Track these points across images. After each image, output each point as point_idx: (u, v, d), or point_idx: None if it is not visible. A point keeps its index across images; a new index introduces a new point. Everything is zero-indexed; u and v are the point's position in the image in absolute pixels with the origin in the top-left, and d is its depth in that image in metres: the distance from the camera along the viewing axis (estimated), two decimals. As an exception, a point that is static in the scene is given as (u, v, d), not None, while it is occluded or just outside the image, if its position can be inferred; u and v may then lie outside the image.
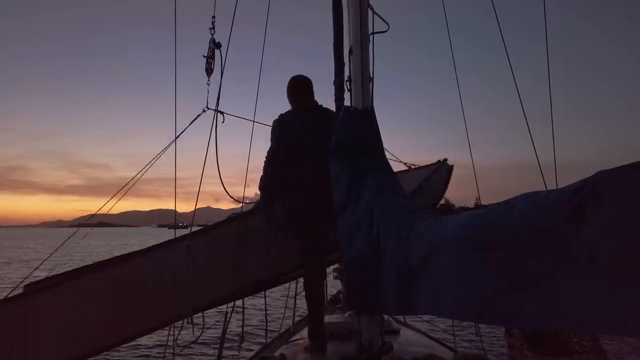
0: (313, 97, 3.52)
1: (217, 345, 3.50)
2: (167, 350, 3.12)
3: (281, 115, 3.40)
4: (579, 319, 1.09)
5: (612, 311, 0.99)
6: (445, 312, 1.68)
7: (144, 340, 9.96)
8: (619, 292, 0.96)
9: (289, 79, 3.57)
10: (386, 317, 3.66)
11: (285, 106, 3.50)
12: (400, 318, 4.47)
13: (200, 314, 3.00)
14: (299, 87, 3.51)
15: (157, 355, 8.31)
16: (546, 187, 3.12)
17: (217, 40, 3.21)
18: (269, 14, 4.12)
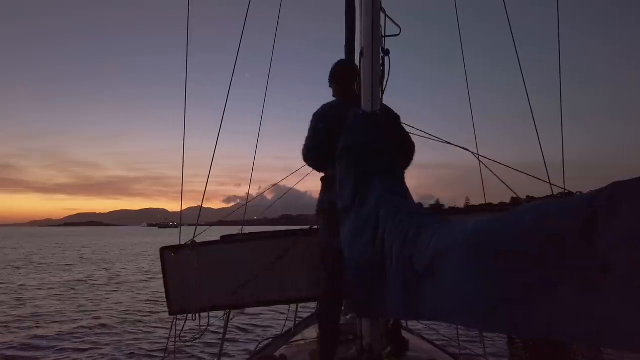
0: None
1: (219, 342, 3.52)
2: (169, 345, 3.14)
3: None
4: (588, 331, 1.08)
5: (622, 324, 0.98)
6: (450, 318, 1.67)
7: (144, 334, 10.02)
8: (631, 305, 0.96)
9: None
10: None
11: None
12: (402, 323, 4.44)
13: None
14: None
15: (160, 348, 8.36)
16: (551, 188, 3.12)
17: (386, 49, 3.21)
18: (279, 19, 4.12)
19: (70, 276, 21.18)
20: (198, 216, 3.45)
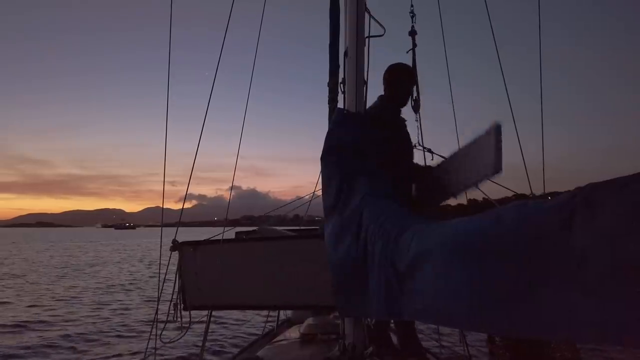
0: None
1: (200, 344, 3.49)
2: (149, 345, 3.10)
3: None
4: (569, 329, 1.10)
5: (601, 320, 1.00)
6: (432, 318, 1.68)
7: (127, 334, 9.88)
8: (609, 301, 0.98)
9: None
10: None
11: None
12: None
13: (186, 312, 3.04)
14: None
15: (140, 350, 8.25)
16: (531, 190, 3.16)
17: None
18: (263, 17, 4.09)
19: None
20: (180, 216, 3.40)
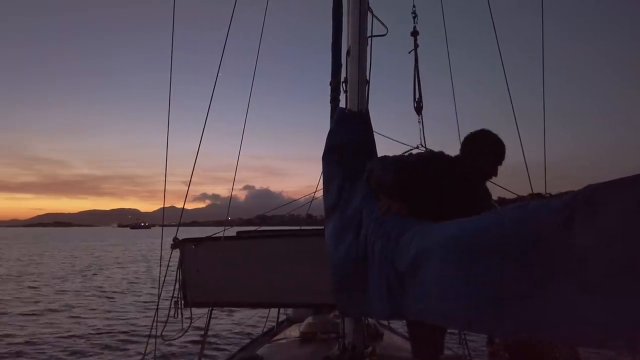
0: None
1: (200, 341, 3.49)
2: (149, 343, 3.10)
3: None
4: (571, 328, 1.10)
5: (604, 320, 1.01)
6: (434, 318, 1.68)
7: (129, 331, 9.90)
8: (610, 300, 0.99)
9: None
10: (371, 320, 3.66)
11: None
12: (384, 322, 4.47)
13: (187, 309, 3.04)
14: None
15: (140, 348, 8.26)
16: (532, 189, 3.15)
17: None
18: (266, 17, 4.09)
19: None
20: (180, 216, 3.40)
